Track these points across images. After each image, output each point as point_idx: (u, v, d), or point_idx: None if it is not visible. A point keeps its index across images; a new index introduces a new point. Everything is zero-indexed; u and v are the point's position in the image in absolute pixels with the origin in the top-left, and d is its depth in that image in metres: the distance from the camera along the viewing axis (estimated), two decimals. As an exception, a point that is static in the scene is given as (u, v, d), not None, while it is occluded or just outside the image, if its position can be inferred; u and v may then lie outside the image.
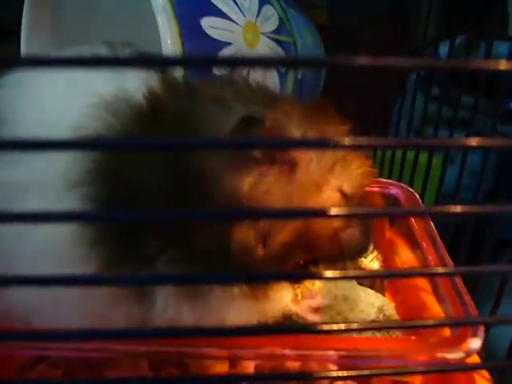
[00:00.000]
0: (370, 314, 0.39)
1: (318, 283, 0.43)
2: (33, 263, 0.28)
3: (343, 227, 0.33)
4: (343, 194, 0.33)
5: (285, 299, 0.38)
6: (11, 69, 0.31)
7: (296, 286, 0.42)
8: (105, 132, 0.29)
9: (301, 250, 0.33)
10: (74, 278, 0.20)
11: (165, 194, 0.29)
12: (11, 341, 0.26)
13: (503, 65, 0.18)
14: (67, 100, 0.31)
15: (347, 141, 0.18)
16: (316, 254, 0.34)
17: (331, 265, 0.36)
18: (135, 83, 0.31)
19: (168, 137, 0.19)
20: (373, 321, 0.39)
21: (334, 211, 0.19)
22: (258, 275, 0.25)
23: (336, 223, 0.32)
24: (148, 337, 0.24)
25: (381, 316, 0.40)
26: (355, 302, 0.40)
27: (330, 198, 0.32)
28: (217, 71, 0.43)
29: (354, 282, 0.43)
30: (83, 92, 0.30)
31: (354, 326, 0.22)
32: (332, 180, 0.32)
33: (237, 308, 0.32)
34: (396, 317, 0.40)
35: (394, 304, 0.41)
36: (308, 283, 0.43)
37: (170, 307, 0.30)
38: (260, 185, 0.30)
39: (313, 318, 0.40)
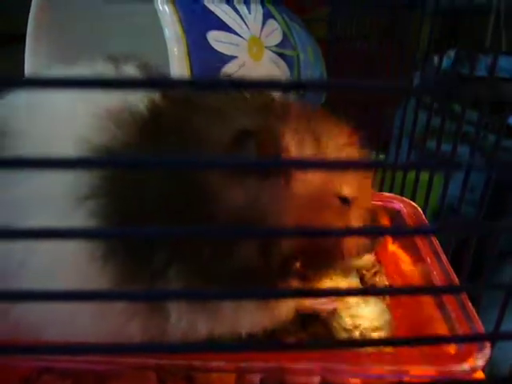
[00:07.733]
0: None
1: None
2: (43, 278, 0.28)
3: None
4: (343, 199, 0.33)
5: (297, 302, 0.38)
6: (15, 88, 0.31)
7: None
8: (109, 144, 0.29)
9: (303, 258, 0.33)
10: (88, 293, 0.20)
11: (169, 208, 0.29)
12: (22, 354, 0.26)
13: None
14: (72, 111, 0.31)
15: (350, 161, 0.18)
16: (318, 261, 0.34)
17: (332, 268, 0.37)
18: (137, 93, 0.31)
19: (170, 155, 0.19)
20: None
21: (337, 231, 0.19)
22: (269, 291, 0.25)
23: None
24: (157, 352, 0.24)
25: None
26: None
27: (330, 208, 0.32)
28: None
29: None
30: (87, 103, 0.30)
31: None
32: (330, 186, 0.32)
33: (249, 317, 0.32)
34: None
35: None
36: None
37: (183, 319, 0.30)
38: (256, 201, 0.30)
39: (331, 305, 0.39)
